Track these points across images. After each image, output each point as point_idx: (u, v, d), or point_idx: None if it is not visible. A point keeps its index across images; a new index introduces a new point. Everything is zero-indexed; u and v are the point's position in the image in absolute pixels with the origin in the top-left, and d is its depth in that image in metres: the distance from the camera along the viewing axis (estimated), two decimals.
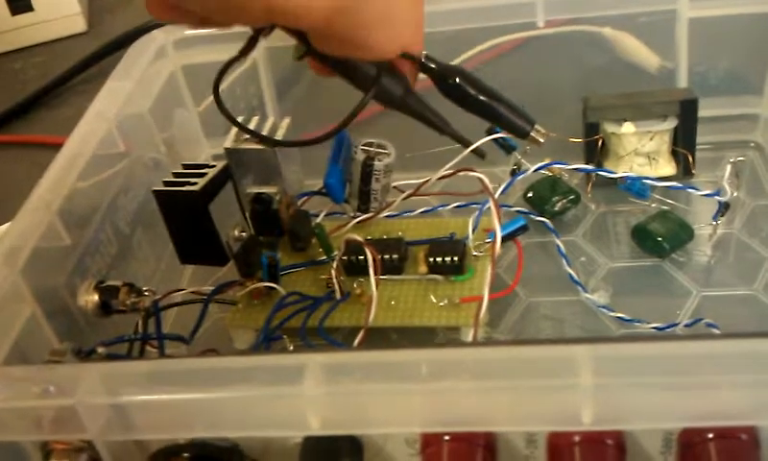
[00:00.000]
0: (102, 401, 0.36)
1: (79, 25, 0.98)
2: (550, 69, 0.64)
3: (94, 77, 0.87)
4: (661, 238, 0.54)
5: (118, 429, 0.36)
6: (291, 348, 0.49)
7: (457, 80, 0.47)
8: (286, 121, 0.54)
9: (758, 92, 0.61)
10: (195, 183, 0.48)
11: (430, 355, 0.37)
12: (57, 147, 0.53)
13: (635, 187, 0.56)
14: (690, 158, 0.59)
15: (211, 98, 0.49)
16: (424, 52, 0.47)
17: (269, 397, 0.36)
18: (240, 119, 0.51)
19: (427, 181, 0.54)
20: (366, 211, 0.55)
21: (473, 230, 0.53)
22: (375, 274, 0.50)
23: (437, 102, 0.48)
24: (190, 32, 0.62)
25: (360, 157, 0.53)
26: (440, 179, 0.54)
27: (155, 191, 0.49)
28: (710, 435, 0.35)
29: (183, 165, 0.51)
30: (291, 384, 0.35)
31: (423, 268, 0.52)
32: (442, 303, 0.50)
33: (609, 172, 0.56)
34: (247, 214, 0.53)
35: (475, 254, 0.52)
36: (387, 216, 0.56)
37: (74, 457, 0.38)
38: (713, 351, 0.34)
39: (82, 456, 0.38)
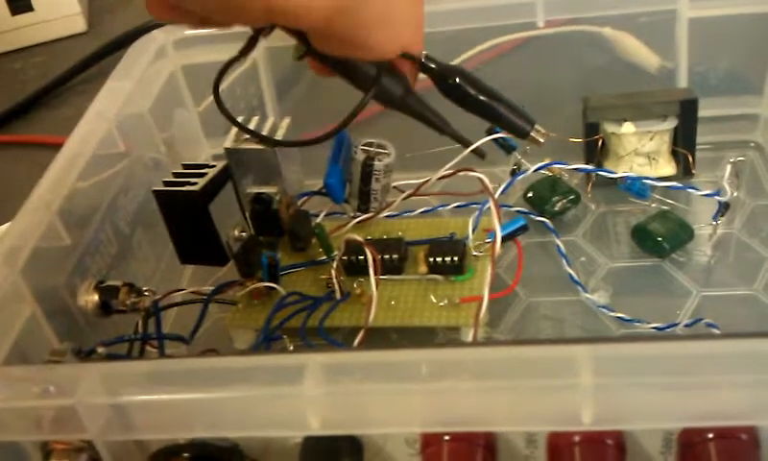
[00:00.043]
0: (102, 401, 0.36)
1: (79, 25, 0.98)
2: (550, 69, 0.64)
3: (94, 77, 0.87)
4: (661, 238, 0.54)
5: (118, 429, 0.36)
6: (291, 348, 0.49)
7: (457, 80, 0.47)
8: (286, 121, 0.54)
9: (758, 92, 0.61)
10: (195, 183, 0.48)
11: (430, 355, 0.37)
12: (57, 147, 0.53)
13: (635, 187, 0.56)
14: (690, 158, 0.59)
15: (211, 98, 0.49)
16: (424, 52, 0.47)
17: (269, 397, 0.36)
18: (240, 119, 0.51)
19: (427, 181, 0.54)
20: (366, 211, 0.55)
21: (473, 230, 0.53)
22: (375, 274, 0.50)
23: (437, 102, 0.48)
24: (190, 32, 0.62)
25: (360, 157, 0.53)
26: (440, 179, 0.54)
27: (155, 191, 0.49)
28: (710, 435, 0.35)
29: (183, 165, 0.51)
30: (291, 384, 0.35)
31: (423, 268, 0.52)
32: (442, 304, 0.50)
33: (609, 172, 0.56)
34: (247, 214, 0.53)
35: (475, 254, 0.52)
36: (387, 216, 0.56)
37: (74, 457, 0.38)
38: (713, 351, 0.34)
39: (82, 456, 0.38)
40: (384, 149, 0.54)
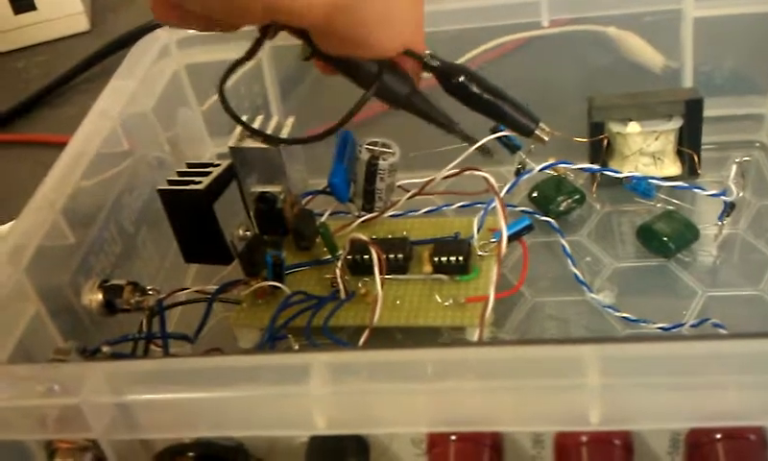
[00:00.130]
0: (107, 400, 0.36)
1: (82, 24, 0.98)
2: (554, 69, 0.64)
3: (97, 76, 0.87)
4: (667, 238, 0.54)
5: (123, 428, 0.36)
6: (296, 347, 0.49)
7: (461, 78, 0.47)
8: (290, 120, 0.53)
9: (764, 92, 0.61)
10: (199, 182, 0.48)
11: (436, 355, 0.36)
12: (60, 146, 0.53)
13: (640, 187, 0.55)
14: (696, 158, 0.58)
15: (215, 97, 0.49)
16: (429, 51, 0.47)
17: (274, 396, 0.36)
18: (244, 118, 0.51)
19: (432, 180, 0.54)
20: (370, 211, 0.55)
21: (478, 230, 0.52)
22: (380, 273, 0.50)
23: (442, 100, 0.48)
24: (193, 31, 0.62)
25: (365, 156, 0.53)
26: (444, 178, 0.54)
27: (159, 190, 0.49)
28: (718, 435, 0.35)
29: (188, 164, 0.51)
30: (296, 384, 0.35)
31: (428, 268, 0.52)
32: (447, 303, 0.50)
33: (614, 172, 0.56)
34: (251, 213, 0.53)
35: (480, 253, 0.52)
36: (391, 215, 0.56)
37: (78, 456, 0.38)
38: (721, 351, 0.34)
39: (86, 455, 0.38)
40: (389, 148, 0.54)
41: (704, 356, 0.34)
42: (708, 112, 0.58)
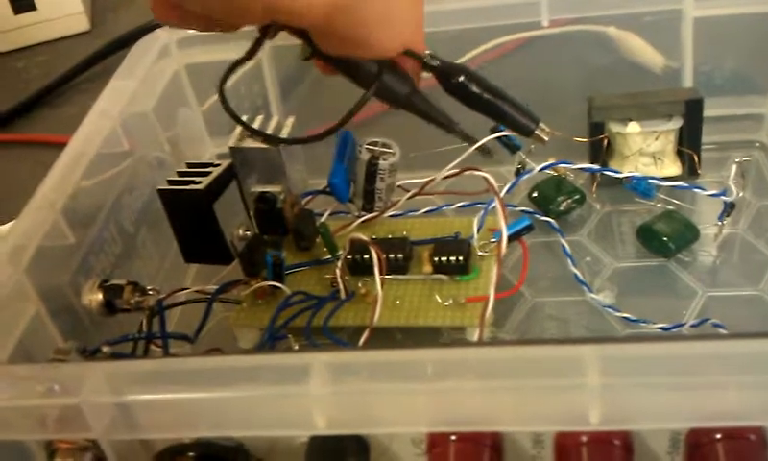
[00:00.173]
0: (107, 400, 0.36)
1: (82, 24, 0.98)
2: (554, 69, 0.64)
3: (97, 76, 0.87)
4: (667, 238, 0.54)
5: (123, 428, 0.36)
6: (296, 347, 0.49)
7: (461, 78, 0.47)
8: (290, 120, 0.53)
9: (764, 92, 0.61)
10: (199, 182, 0.48)
11: (436, 355, 0.36)
12: (60, 146, 0.53)
13: (640, 187, 0.55)
14: (696, 158, 0.58)
15: (215, 97, 0.49)
16: (428, 51, 0.47)
17: (274, 396, 0.36)
18: (244, 118, 0.51)
19: (432, 180, 0.54)
20: (370, 211, 0.55)
21: (478, 230, 0.52)
22: (380, 273, 0.50)
23: (441, 100, 0.48)
24: (193, 31, 0.62)
25: (365, 156, 0.53)
26: (444, 178, 0.54)
27: (159, 190, 0.49)
28: (718, 435, 0.35)
29: (188, 164, 0.51)
30: (296, 384, 0.35)
31: (428, 268, 0.52)
32: (447, 303, 0.50)
33: (614, 172, 0.56)
34: (251, 213, 0.53)
35: (480, 253, 0.52)
36: (391, 216, 0.56)
37: (78, 456, 0.38)
38: (721, 351, 0.34)
39: (86, 455, 0.38)
40: (389, 148, 0.54)
41: (704, 356, 0.34)
42: (708, 112, 0.58)
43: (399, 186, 0.56)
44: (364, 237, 0.51)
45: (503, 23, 0.61)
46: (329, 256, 0.54)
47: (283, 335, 0.50)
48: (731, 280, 0.53)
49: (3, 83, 0.92)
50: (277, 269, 0.52)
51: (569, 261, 0.54)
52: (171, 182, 0.49)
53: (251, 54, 0.45)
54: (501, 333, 0.51)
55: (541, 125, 0.49)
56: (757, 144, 0.62)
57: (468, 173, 0.52)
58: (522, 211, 0.57)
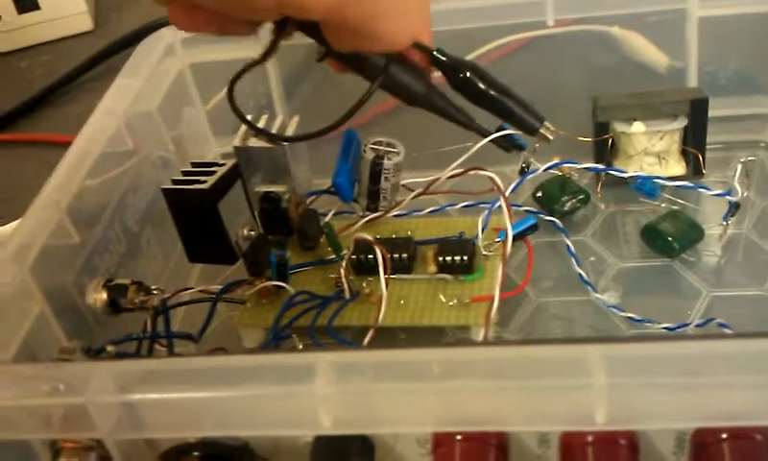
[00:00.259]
0: (112, 400, 0.36)
1: (85, 24, 0.98)
2: (559, 68, 0.64)
3: (102, 75, 0.87)
4: (672, 238, 0.54)
5: (128, 428, 0.36)
6: (300, 347, 0.49)
7: (468, 74, 0.47)
8: (295, 119, 0.54)
9: None
10: (204, 182, 0.48)
11: (441, 355, 0.36)
12: (64, 145, 0.53)
13: (645, 187, 0.55)
14: (700, 158, 0.58)
15: (219, 96, 0.49)
16: (437, 46, 0.47)
17: (279, 396, 0.36)
18: (249, 118, 0.51)
19: (436, 179, 0.54)
20: (375, 210, 0.55)
21: (483, 230, 0.52)
22: (385, 273, 0.50)
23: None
24: None
25: (369, 155, 0.53)
26: (449, 178, 0.54)
27: (164, 189, 0.49)
28: (724, 435, 0.35)
29: (192, 163, 0.51)
30: (301, 383, 0.35)
31: (433, 267, 0.52)
32: (451, 303, 0.50)
33: (619, 171, 0.56)
34: (256, 213, 0.53)
35: (485, 253, 0.52)
36: (396, 215, 0.56)
37: (83, 456, 0.38)
38: (726, 351, 0.34)
39: (91, 455, 0.38)
40: (393, 148, 0.54)
41: (709, 356, 0.34)
42: (712, 112, 0.57)
43: (404, 186, 0.56)
44: (368, 237, 0.51)
45: (508, 22, 0.61)
46: (334, 256, 0.54)
47: (287, 335, 0.50)
48: (735, 280, 0.52)
49: (7, 82, 0.92)
50: (282, 269, 0.52)
51: (574, 261, 0.54)
52: (175, 182, 0.49)
53: (266, 55, 0.44)
54: (505, 333, 0.51)
55: (546, 124, 0.49)
56: (762, 144, 0.62)
57: (472, 172, 0.52)
58: (527, 211, 0.57)
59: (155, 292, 0.50)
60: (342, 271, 0.51)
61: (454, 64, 0.47)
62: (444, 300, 0.50)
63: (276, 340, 0.49)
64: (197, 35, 0.62)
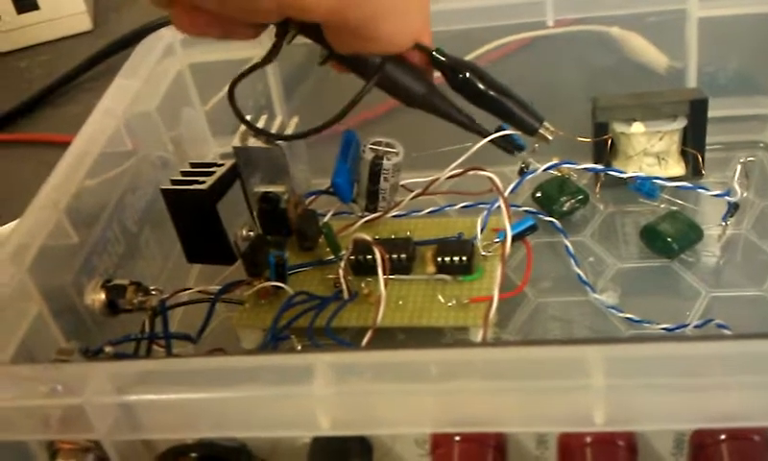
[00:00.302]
0: (110, 401, 0.36)
1: (84, 24, 0.98)
2: (558, 69, 0.64)
3: (101, 75, 0.87)
4: (671, 239, 0.53)
5: (126, 429, 0.36)
6: (299, 347, 0.49)
7: (468, 74, 0.47)
8: (294, 120, 0.53)
9: None
10: (203, 182, 0.48)
11: (440, 356, 0.36)
12: (63, 145, 0.53)
13: (644, 187, 0.55)
14: (700, 159, 0.58)
15: (218, 97, 0.49)
16: (436, 47, 0.47)
17: (277, 397, 0.36)
18: (248, 118, 0.51)
19: (435, 180, 0.54)
20: (374, 211, 0.55)
21: (482, 230, 0.52)
22: (384, 273, 0.50)
23: None
24: None
25: (368, 156, 0.53)
26: (448, 178, 0.54)
27: (162, 190, 0.49)
28: (723, 436, 0.35)
29: (191, 164, 0.51)
30: (299, 384, 0.35)
31: (431, 268, 0.52)
32: (450, 304, 0.50)
33: (618, 172, 0.55)
34: (254, 213, 0.53)
35: (484, 253, 0.52)
36: (395, 216, 0.56)
37: (81, 457, 0.38)
38: (725, 351, 0.34)
39: (88, 456, 0.38)
40: (392, 148, 0.54)
41: (708, 357, 0.34)
42: (712, 113, 0.57)
43: (403, 186, 0.56)
44: (367, 237, 0.51)
45: (507, 23, 0.61)
46: (332, 257, 0.54)
47: (286, 336, 0.50)
48: (734, 281, 0.52)
49: (6, 82, 0.92)
50: (280, 269, 0.52)
51: (573, 262, 0.53)
52: (174, 182, 0.49)
53: (268, 58, 0.44)
54: (504, 334, 0.51)
55: (546, 124, 0.49)
56: (761, 144, 0.62)
57: (471, 173, 0.52)
58: (526, 211, 0.57)
59: (153, 292, 0.50)
60: (340, 271, 0.51)
61: (453, 65, 0.47)
62: (442, 300, 0.50)
63: (274, 341, 0.49)
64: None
